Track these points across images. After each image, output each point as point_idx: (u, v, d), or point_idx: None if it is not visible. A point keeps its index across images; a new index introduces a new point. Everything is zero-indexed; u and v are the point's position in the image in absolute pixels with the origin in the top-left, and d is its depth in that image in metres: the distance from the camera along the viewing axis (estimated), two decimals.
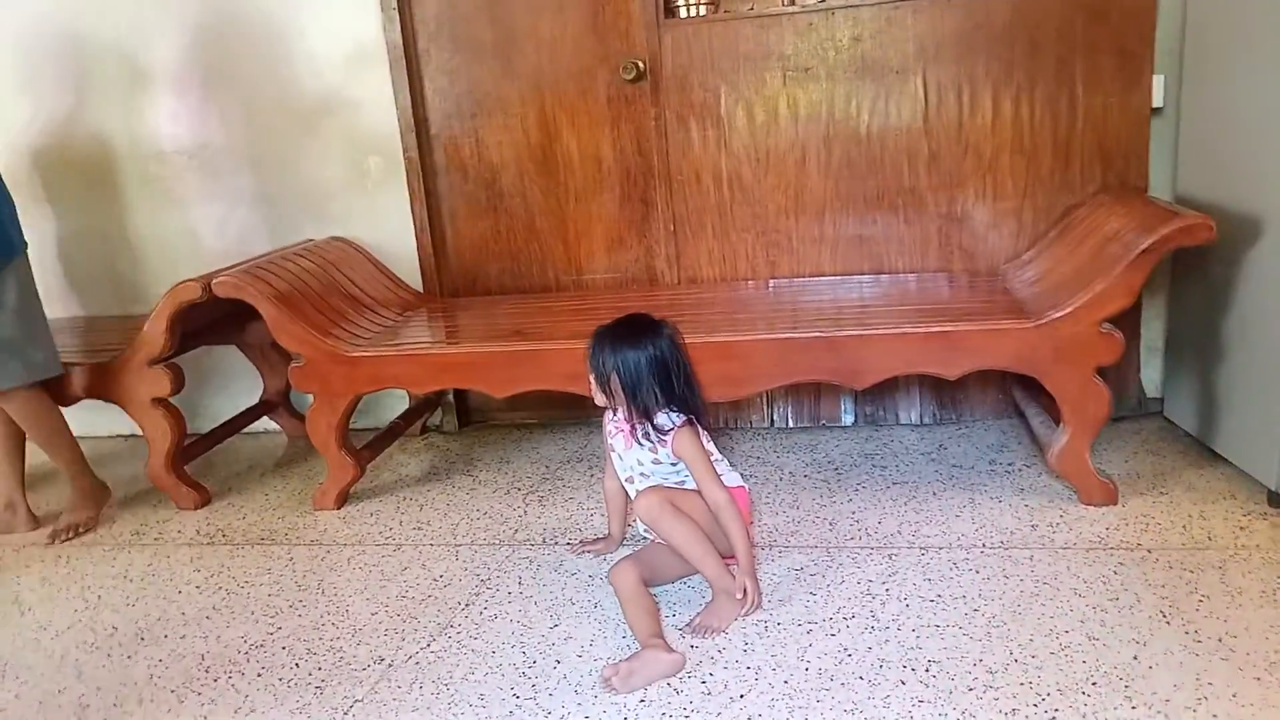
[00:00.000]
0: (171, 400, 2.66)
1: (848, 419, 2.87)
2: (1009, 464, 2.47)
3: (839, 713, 1.57)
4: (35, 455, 2.75)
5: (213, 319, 2.83)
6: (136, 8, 3.03)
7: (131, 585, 2.30)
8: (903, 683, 1.63)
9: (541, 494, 2.58)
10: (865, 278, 2.75)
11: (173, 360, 2.65)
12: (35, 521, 2.69)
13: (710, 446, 1.95)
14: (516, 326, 2.56)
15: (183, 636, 2.04)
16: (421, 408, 3.06)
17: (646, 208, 2.88)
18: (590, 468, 2.71)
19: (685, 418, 1.90)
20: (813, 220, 2.78)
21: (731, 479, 1.97)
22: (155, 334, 2.55)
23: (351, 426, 2.60)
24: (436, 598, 2.09)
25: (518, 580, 2.13)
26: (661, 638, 1.78)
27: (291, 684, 1.82)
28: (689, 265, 2.89)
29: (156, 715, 1.78)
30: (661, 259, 2.90)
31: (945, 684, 1.61)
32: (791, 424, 2.90)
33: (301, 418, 2.81)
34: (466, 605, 2.04)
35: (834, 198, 2.75)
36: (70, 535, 2.60)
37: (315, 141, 3.03)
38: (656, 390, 1.88)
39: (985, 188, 2.66)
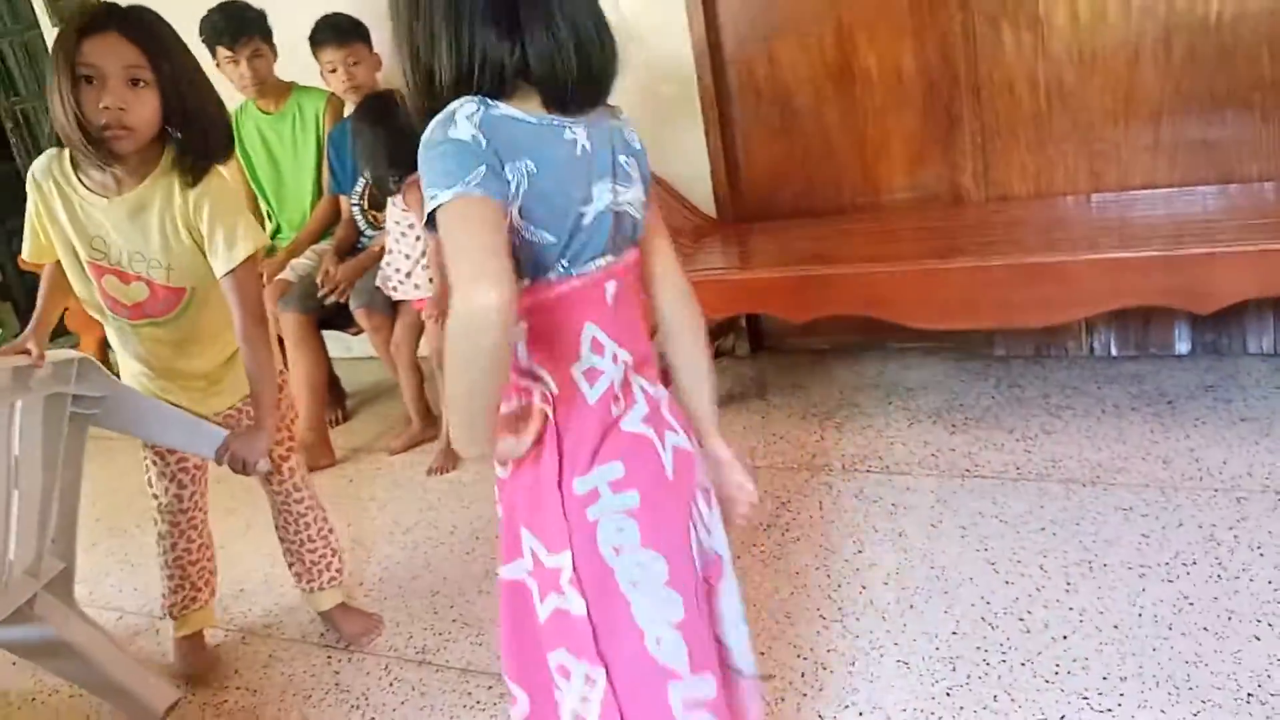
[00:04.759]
0: None
1: (1183, 347, 2.58)
2: None
3: (1179, 663, 1.45)
4: None
5: None
6: None
7: (465, 490, 2.56)
8: (1257, 638, 1.47)
9: (839, 420, 2.55)
10: (1209, 188, 2.42)
11: None
12: (333, 456, 2.90)
13: None
14: (813, 250, 2.52)
15: None
16: (715, 332, 3.12)
17: (951, 121, 2.70)
18: (888, 394, 2.64)
19: None
20: (1145, 125, 2.49)
21: None
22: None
23: None
24: None
25: (818, 504, 2.14)
26: None
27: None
28: (998, 181, 2.69)
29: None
30: (967, 175, 2.72)
31: None
32: (1115, 352, 2.65)
33: None
34: (768, 526, 2.08)
35: (1172, 98, 2.44)
36: (405, 448, 2.88)
37: None
38: None
39: None
